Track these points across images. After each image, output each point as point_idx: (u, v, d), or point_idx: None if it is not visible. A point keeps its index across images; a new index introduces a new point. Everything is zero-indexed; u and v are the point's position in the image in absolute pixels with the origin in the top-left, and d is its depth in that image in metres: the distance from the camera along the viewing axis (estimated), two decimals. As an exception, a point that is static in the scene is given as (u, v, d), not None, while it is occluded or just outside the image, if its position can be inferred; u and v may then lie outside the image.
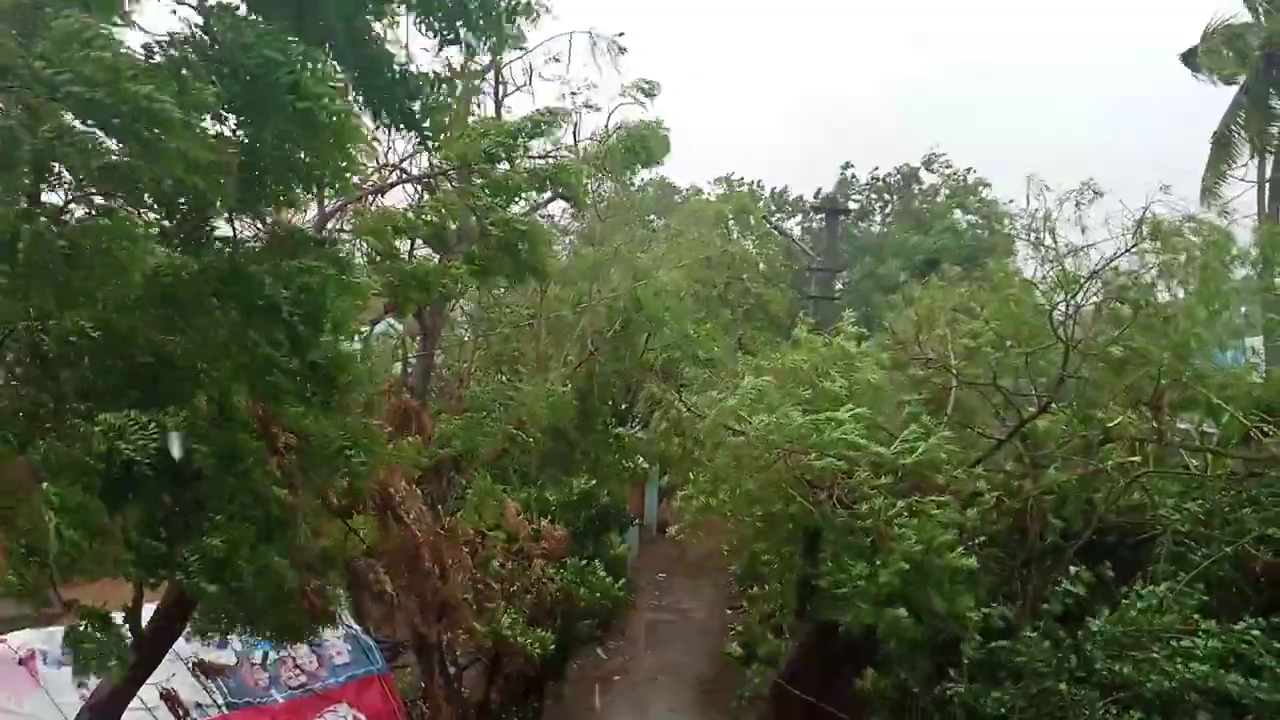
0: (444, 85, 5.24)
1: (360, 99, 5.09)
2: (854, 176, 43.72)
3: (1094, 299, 10.97)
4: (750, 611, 16.65)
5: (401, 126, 5.30)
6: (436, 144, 5.66)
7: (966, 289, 13.36)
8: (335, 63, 4.86)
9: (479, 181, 7.10)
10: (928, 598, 9.51)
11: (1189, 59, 21.62)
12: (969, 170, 40.79)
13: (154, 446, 4.44)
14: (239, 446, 5.13)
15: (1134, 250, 10.45)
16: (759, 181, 41.25)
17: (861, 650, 10.92)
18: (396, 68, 5.04)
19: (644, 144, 8.85)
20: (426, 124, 5.27)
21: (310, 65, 4.25)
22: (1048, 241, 11.23)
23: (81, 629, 5.59)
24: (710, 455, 11.47)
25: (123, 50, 3.87)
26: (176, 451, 4.71)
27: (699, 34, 75.60)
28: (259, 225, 5.24)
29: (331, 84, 4.42)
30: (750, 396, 10.99)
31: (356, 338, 7.81)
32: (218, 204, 4.64)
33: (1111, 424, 10.65)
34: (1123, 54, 54.87)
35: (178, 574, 5.32)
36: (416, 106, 5.18)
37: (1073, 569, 10.30)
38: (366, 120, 5.38)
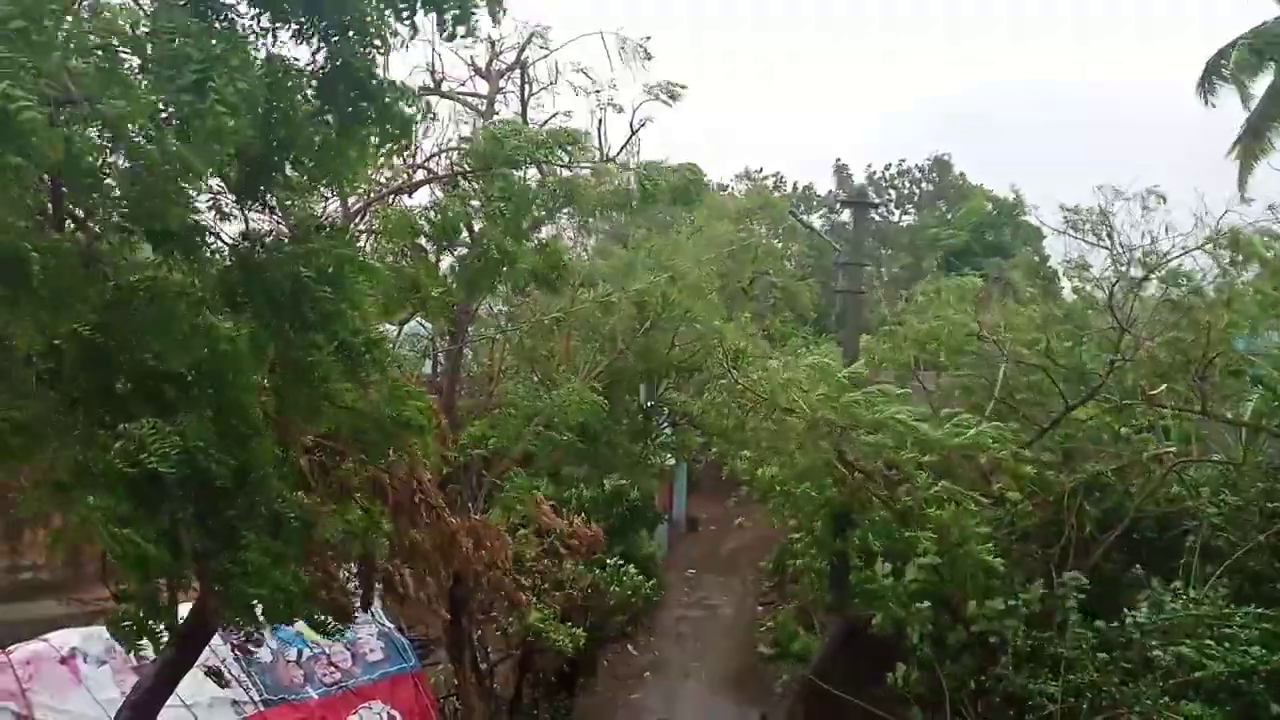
0: (396, 95, 4.98)
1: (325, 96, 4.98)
2: (850, 175, 43.66)
3: (1152, 295, 11.08)
4: (781, 606, 16.62)
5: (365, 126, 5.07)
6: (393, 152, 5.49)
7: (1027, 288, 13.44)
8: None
9: (498, 185, 7.08)
10: (960, 596, 9.49)
11: (1208, 77, 21.31)
12: (963, 174, 41.43)
13: (175, 456, 4.44)
14: (254, 455, 5.13)
15: (1203, 248, 10.69)
16: (780, 176, 41.14)
17: (892, 645, 10.86)
18: None
19: (670, 184, 8.72)
20: (388, 129, 5.05)
21: (219, 63, 4.04)
22: (1104, 238, 11.34)
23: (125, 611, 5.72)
24: (762, 424, 11.56)
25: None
26: (197, 463, 4.72)
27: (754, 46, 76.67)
28: (275, 217, 5.29)
29: (243, 83, 4.16)
30: (811, 371, 11.09)
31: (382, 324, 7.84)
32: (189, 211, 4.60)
33: (1154, 391, 10.60)
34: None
35: (214, 584, 5.37)
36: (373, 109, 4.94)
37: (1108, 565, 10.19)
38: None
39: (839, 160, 44.09)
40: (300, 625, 7.39)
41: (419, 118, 5.37)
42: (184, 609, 6.71)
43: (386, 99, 4.93)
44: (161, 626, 5.80)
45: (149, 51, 4.06)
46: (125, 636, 5.82)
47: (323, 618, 6.37)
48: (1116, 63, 68.90)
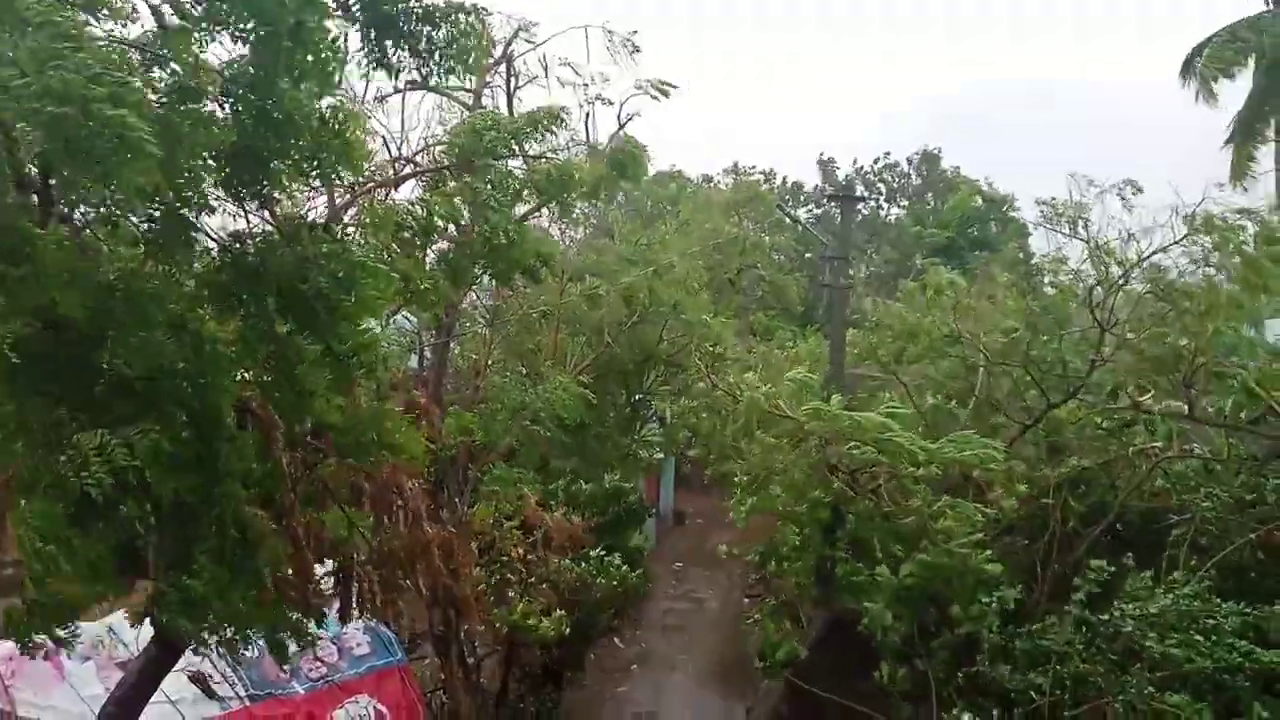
0: (465, 14, 5.10)
1: (373, 36, 5.00)
2: (836, 169, 43.77)
3: (1135, 290, 11.06)
4: (767, 600, 16.67)
5: (423, 57, 5.16)
6: (465, 72, 5.48)
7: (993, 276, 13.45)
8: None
9: (485, 177, 7.05)
10: (948, 597, 9.56)
11: (1187, 68, 21.47)
12: (957, 168, 41.56)
13: (118, 473, 4.32)
14: (224, 464, 5.02)
15: (1181, 242, 10.63)
16: (771, 171, 41.27)
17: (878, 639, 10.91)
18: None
19: (630, 163, 8.76)
20: (451, 51, 5.13)
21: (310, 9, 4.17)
22: (1080, 230, 11.34)
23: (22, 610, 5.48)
24: (741, 440, 11.50)
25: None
26: (143, 482, 4.59)
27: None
28: (265, 216, 5.22)
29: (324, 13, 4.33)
30: (790, 386, 11.02)
31: (377, 324, 7.79)
32: (196, 204, 4.57)
33: (1142, 398, 10.63)
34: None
35: (156, 610, 5.24)
36: (440, 35, 5.06)
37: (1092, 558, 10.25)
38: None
39: (823, 155, 44.27)
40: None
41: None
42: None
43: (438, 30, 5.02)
44: (58, 631, 5.52)
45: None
46: (18, 636, 5.52)
47: (283, 635, 6.18)
48: (1116, 63, 69.25)
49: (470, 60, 5.27)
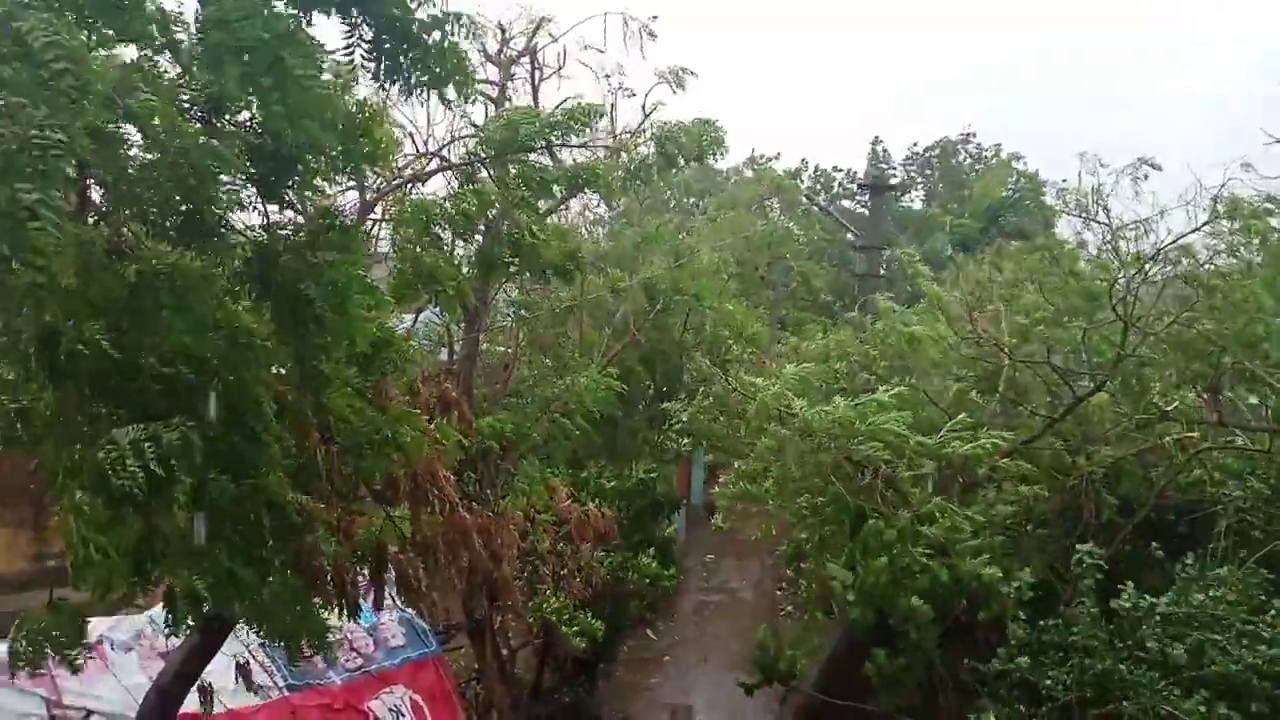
0: (450, 23, 4.89)
1: (372, 59, 4.89)
2: (885, 151, 43.15)
3: (1158, 278, 10.76)
4: (797, 591, 16.59)
5: (417, 82, 5.00)
6: (459, 91, 5.36)
7: (1014, 265, 13.17)
8: (345, 20, 4.74)
9: (514, 171, 7.08)
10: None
11: None
12: (998, 146, 40.84)
13: (147, 467, 4.20)
14: (254, 454, 4.97)
15: (1204, 229, 10.33)
16: (803, 160, 41.03)
17: (904, 630, 10.79)
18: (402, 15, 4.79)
19: (690, 142, 8.53)
20: (440, 71, 4.97)
21: (293, 38, 4.09)
22: (1100, 218, 11.07)
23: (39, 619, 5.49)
24: (754, 440, 11.35)
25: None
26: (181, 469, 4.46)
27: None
28: (296, 211, 5.25)
29: (318, 59, 4.26)
30: (794, 383, 10.87)
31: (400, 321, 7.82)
32: (222, 201, 4.54)
33: (1169, 406, 10.34)
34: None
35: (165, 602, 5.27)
36: (429, 57, 4.91)
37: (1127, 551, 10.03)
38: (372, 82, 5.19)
39: (877, 138, 43.87)
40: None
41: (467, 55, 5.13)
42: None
43: (428, 37, 4.82)
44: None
45: (204, 39, 4.11)
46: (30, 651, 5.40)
47: (308, 644, 6.17)
48: (1181, 25, 67.07)
49: (459, 78, 5.13)
